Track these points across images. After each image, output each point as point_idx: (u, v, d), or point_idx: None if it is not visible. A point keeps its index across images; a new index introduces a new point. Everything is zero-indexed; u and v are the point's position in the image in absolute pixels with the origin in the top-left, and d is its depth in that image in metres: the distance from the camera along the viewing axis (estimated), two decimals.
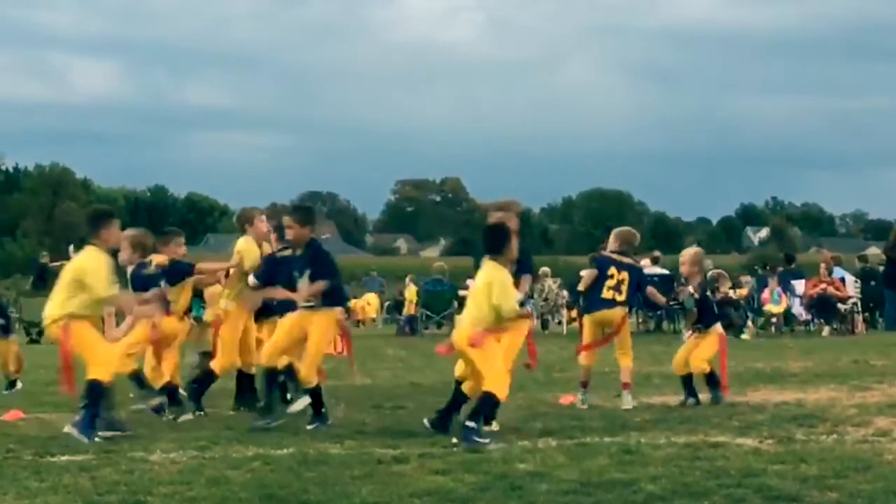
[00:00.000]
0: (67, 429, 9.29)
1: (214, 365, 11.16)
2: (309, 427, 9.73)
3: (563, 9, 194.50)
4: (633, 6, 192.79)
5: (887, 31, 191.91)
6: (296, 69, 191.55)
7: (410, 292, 33.52)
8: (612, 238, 11.73)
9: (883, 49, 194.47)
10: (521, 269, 9.98)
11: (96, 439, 9.09)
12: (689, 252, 12.20)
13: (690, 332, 11.65)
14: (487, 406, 8.93)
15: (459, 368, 9.67)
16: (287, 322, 10.22)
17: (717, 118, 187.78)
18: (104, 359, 9.45)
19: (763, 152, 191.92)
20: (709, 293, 11.61)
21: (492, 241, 9.39)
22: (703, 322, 11.49)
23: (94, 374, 9.34)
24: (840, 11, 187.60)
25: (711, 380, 11.30)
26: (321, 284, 9.96)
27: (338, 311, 10.20)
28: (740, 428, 9.34)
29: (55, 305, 9.55)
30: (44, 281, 30.74)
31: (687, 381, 11.28)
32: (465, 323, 9.18)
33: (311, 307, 9.99)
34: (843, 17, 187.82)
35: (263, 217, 11.54)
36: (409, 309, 32.57)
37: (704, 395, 11.31)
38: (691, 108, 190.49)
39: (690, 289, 11.49)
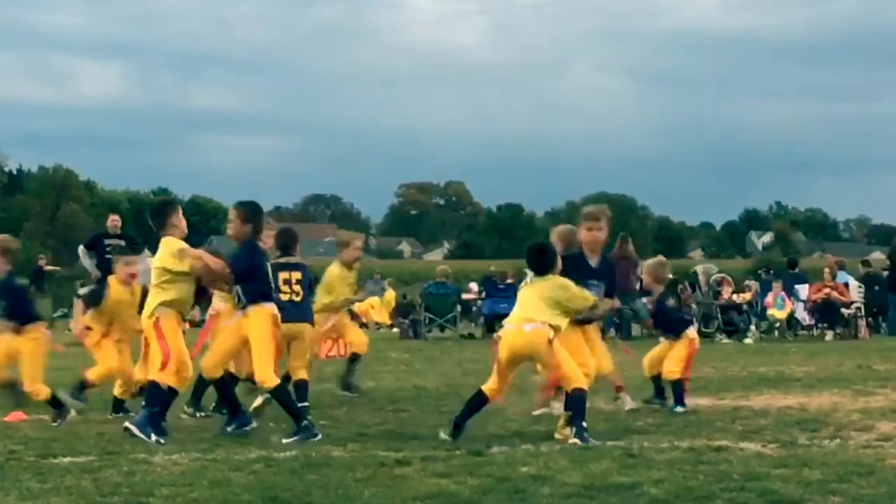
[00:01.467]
0: (127, 424, 9.28)
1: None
2: (287, 440, 9.04)
3: (568, 13, 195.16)
4: (638, 11, 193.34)
5: (892, 36, 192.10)
6: (300, 72, 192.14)
7: (390, 296, 33.55)
8: (555, 240, 10.99)
9: (888, 54, 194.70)
10: (606, 291, 9.98)
11: (158, 440, 9.03)
12: (648, 263, 12.11)
13: (663, 338, 11.61)
14: (580, 403, 9.05)
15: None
16: (225, 331, 10.03)
17: (721, 123, 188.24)
18: (178, 364, 9.48)
19: (767, 157, 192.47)
20: (671, 303, 11.52)
21: (539, 263, 9.44)
22: (665, 331, 11.45)
23: (162, 377, 9.40)
24: (845, 16, 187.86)
25: (676, 388, 11.20)
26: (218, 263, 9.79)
27: (270, 308, 9.64)
28: (743, 432, 9.33)
29: (148, 301, 9.67)
30: (38, 283, 30.74)
31: (657, 382, 11.28)
32: (524, 331, 9.13)
33: (241, 306, 9.70)
34: (848, 22, 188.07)
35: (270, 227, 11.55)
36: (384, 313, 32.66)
37: (708, 402, 11.30)
38: (695, 113, 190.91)
39: (645, 299, 11.49)
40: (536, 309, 9.20)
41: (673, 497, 6.65)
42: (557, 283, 9.35)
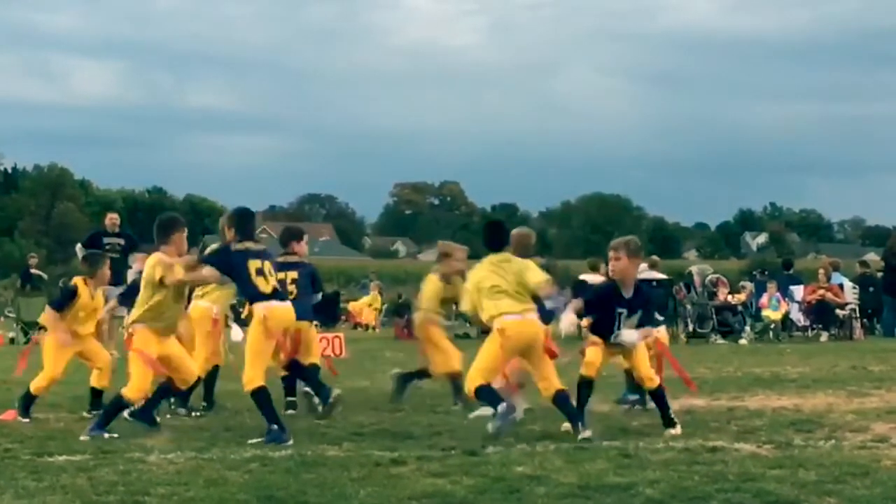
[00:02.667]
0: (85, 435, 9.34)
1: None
2: (258, 441, 8.99)
3: (565, 14, 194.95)
4: (634, 12, 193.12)
5: (888, 37, 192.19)
6: (296, 72, 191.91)
7: (374, 297, 33.58)
8: (513, 243, 10.55)
9: (882, 56, 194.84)
10: (644, 319, 9.82)
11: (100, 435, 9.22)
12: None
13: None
14: (566, 402, 9.20)
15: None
16: None
17: (716, 124, 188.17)
18: (142, 381, 9.55)
19: (762, 158, 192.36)
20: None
21: (496, 238, 9.64)
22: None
23: (127, 392, 9.54)
24: (841, 18, 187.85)
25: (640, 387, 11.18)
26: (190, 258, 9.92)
27: (260, 309, 9.38)
28: (739, 433, 9.35)
29: (132, 311, 9.80)
30: (32, 283, 30.74)
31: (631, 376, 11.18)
32: (532, 321, 9.23)
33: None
34: (844, 23, 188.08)
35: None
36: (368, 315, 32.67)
37: (703, 402, 11.29)
38: (690, 114, 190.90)
39: None
40: (522, 296, 9.27)
41: (668, 497, 6.65)
42: (521, 263, 9.45)
